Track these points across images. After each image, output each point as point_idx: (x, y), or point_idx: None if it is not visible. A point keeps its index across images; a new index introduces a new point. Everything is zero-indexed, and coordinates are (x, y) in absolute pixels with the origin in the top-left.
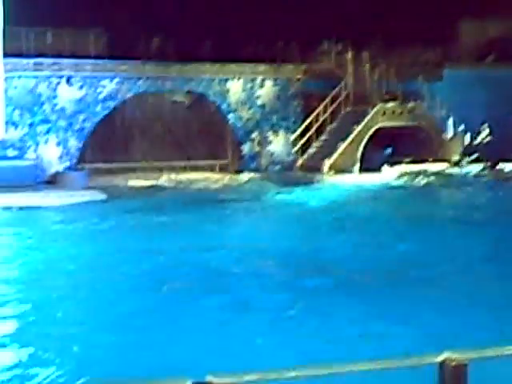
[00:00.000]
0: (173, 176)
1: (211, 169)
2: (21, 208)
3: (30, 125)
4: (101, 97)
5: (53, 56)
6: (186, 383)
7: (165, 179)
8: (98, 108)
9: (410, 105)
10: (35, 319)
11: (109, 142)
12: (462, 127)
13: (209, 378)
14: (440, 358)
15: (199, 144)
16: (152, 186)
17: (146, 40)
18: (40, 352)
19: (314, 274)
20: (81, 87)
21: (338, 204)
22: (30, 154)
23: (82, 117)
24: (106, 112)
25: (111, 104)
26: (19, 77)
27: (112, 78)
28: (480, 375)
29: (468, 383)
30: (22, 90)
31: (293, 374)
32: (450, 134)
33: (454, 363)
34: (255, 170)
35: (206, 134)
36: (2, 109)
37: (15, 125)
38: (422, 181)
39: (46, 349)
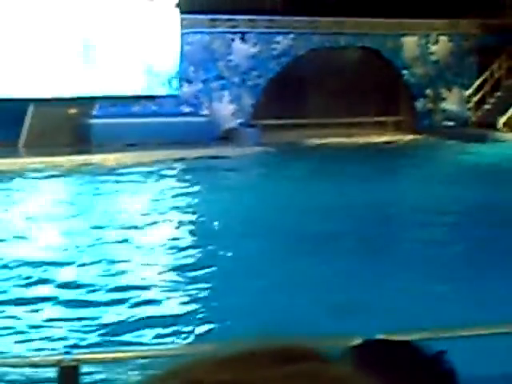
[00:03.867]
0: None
1: (384, 125)
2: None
3: (204, 81)
4: (275, 53)
5: (228, 12)
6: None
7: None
8: (272, 64)
9: None
10: None
11: (282, 99)
12: None
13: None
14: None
15: (372, 100)
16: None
17: None
18: None
19: None
20: (255, 44)
21: None
22: (204, 111)
23: (255, 73)
24: (279, 68)
25: (285, 60)
26: (194, 33)
27: (286, 35)
28: None
29: None
30: (197, 46)
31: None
32: None
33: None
34: (429, 127)
35: (379, 91)
36: (177, 65)
37: (189, 81)
38: None
39: None
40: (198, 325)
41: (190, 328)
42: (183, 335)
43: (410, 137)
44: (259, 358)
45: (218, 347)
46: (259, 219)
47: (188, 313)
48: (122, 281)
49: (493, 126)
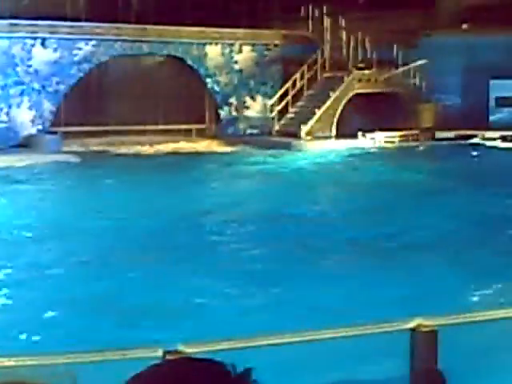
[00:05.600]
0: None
1: (188, 133)
2: None
3: (3, 87)
4: (76, 59)
5: (29, 18)
6: (158, 352)
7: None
8: (73, 71)
9: (386, 72)
10: None
11: (84, 106)
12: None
13: (180, 347)
14: (411, 325)
15: (176, 108)
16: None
17: (124, 2)
18: None
19: None
20: (55, 49)
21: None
22: (3, 117)
23: (56, 79)
24: (81, 75)
25: (87, 67)
26: None
27: (88, 41)
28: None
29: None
30: None
31: (262, 342)
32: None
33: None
34: (232, 135)
35: (183, 99)
36: None
37: None
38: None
39: None
40: None
41: None
42: None
43: (213, 144)
44: None
45: None
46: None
47: None
48: None
49: (295, 134)
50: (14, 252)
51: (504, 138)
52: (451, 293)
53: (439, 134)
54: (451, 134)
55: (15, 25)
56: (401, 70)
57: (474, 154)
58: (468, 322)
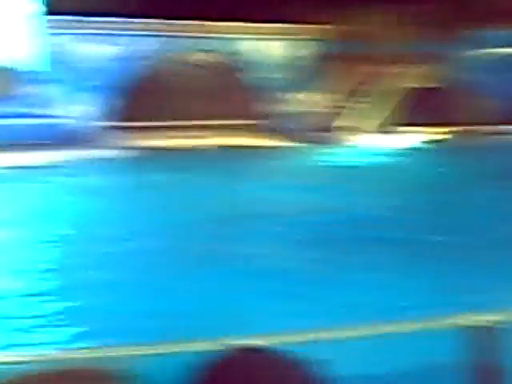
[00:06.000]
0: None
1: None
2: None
3: (64, 82)
4: (136, 55)
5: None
6: (223, 343)
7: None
8: (131, 67)
9: (437, 67)
10: None
11: (139, 102)
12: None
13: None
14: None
15: (229, 104)
16: None
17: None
18: None
19: None
20: (116, 46)
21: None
22: (62, 112)
23: (112, 76)
24: (137, 72)
25: (144, 63)
26: None
27: (148, 37)
28: None
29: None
30: None
31: (325, 335)
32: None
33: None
34: (280, 131)
35: (236, 95)
36: None
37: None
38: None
39: None
40: None
41: None
42: None
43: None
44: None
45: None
46: None
47: None
48: None
49: (349, 130)
50: None
51: None
52: None
53: (487, 129)
54: (498, 129)
55: (79, 21)
56: (450, 64)
57: None
58: None
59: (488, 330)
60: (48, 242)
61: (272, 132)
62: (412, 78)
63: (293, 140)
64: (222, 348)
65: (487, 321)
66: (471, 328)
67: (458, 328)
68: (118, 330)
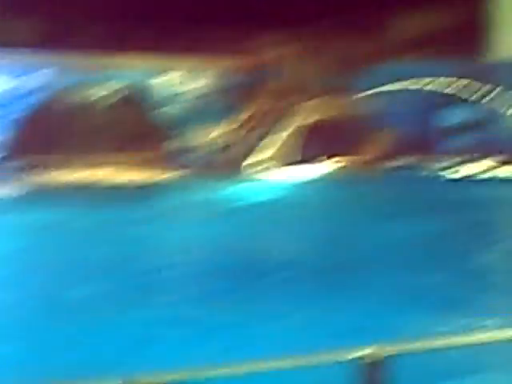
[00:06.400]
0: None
1: (138, 163)
2: None
3: None
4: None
5: None
6: (117, 382)
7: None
8: (25, 100)
9: (343, 98)
10: None
11: (33, 135)
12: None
13: (137, 377)
14: (359, 353)
15: (125, 138)
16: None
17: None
18: None
19: None
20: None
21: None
22: None
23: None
24: (32, 104)
25: (40, 96)
26: None
27: (42, 69)
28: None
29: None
30: None
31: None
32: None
33: (372, 358)
34: (181, 165)
35: (132, 129)
36: None
37: None
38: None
39: None
40: None
41: None
42: None
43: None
44: None
45: None
46: None
47: None
48: None
49: (253, 163)
50: None
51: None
52: None
53: (392, 161)
54: (404, 161)
55: None
56: (357, 96)
57: (424, 181)
58: (419, 349)
59: (375, 363)
60: None
61: (174, 166)
62: (312, 110)
63: (195, 174)
64: None
65: (375, 353)
66: (359, 360)
67: (346, 361)
68: None
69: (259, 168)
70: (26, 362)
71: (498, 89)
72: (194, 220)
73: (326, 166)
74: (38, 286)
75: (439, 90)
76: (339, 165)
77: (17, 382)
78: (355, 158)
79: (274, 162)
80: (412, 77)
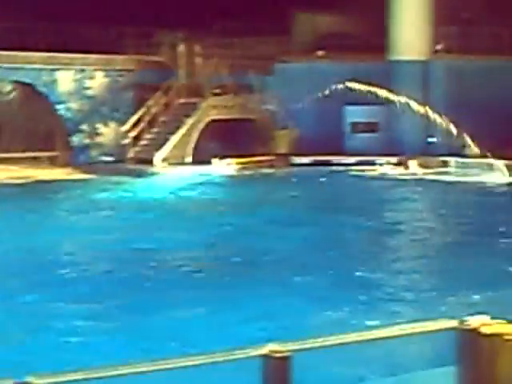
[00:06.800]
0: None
1: (40, 161)
2: None
3: None
4: None
5: None
6: (8, 383)
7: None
8: None
9: (242, 98)
10: None
11: None
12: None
13: (29, 379)
14: (263, 351)
15: (27, 135)
16: None
17: None
18: None
19: None
20: None
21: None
22: None
23: None
24: None
25: None
26: None
27: None
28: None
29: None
30: None
31: (115, 372)
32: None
33: (275, 355)
34: (85, 162)
35: (34, 126)
36: None
37: None
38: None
39: None
40: None
41: None
42: None
43: (65, 172)
44: None
45: None
46: None
47: None
48: None
49: (150, 161)
50: None
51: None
52: None
53: (295, 160)
54: (307, 160)
55: None
56: (256, 96)
57: (326, 179)
58: (322, 346)
59: (282, 360)
60: None
61: (75, 164)
62: (219, 108)
63: (95, 172)
64: None
65: (278, 349)
66: (267, 357)
67: (248, 358)
68: None
69: (159, 166)
70: None
71: (399, 89)
72: (82, 217)
73: (225, 165)
74: None
75: (343, 90)
76: (239, 163)
77: None
78: (256, 156)
79: (172, 160)
80: (318, 76)
